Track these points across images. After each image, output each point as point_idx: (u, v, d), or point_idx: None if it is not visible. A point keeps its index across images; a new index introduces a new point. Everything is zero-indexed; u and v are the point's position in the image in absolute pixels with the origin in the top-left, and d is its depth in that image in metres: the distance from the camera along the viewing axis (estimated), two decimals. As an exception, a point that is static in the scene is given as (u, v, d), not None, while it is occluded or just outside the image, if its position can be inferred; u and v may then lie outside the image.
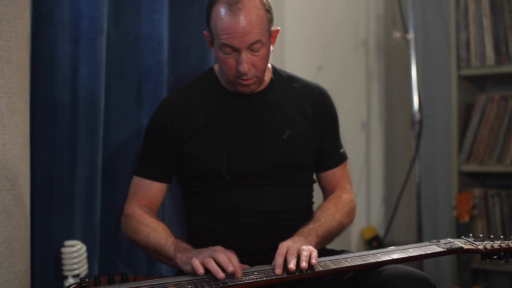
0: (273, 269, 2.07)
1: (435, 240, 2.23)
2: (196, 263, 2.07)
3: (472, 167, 3.97)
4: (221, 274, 2.03)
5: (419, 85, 4.04)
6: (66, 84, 2.51)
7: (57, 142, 2.50)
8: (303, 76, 2.60)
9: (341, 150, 2.62)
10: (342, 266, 2.08)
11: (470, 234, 2.30)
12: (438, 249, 2.16)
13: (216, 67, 2.51)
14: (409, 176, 4.09)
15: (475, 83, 4.13)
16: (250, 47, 2.29)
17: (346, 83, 4.08)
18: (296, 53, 3.65)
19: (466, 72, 3.99)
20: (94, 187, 2.55)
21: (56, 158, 2.50)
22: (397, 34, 4.09)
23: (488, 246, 2.20)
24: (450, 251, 2.17)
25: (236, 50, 2.29)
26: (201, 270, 2.05)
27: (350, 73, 4.13)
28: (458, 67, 3.99)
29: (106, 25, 2.59)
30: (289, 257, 2.09)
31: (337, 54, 4.01)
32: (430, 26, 4.33)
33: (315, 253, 2.11)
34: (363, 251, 2.42)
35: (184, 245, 2.26)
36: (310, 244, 2.21)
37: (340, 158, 2.61)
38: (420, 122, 3.98)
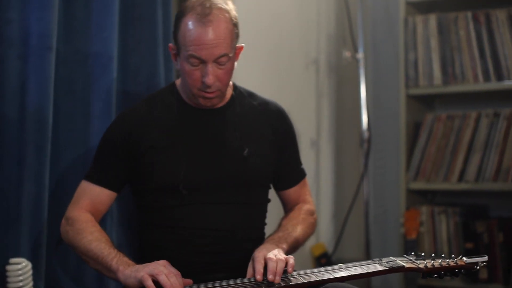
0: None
1: (377, 259, 2.27)
2: (145, 276, 2.09)
3: (419, 185, 4.04)
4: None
5: (368, 103, 4.10)
6: (14, 100, 2.50)
7: (4, 158, 2.49)
8: (271, 99, 2.64)
9: (301, 167, 2.66)
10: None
11: (413, 253, 2.34)
12: (380, 268, 2.20)
13: (178, 82, 2.52)
14: (358, 193, 4.14)
15: (423, 102, 4.20)
16: (217, 60, 2.32)
17: (297, 101, 4.12)
18: (247, 71, 3.67)
19: (414, 91, 4.06)
20: (41, 204, 2.54)
21: (3, 174, 2.49)
22: (347, 53, 4.15)
23: (429, 265, 2.23)
24: (391, 270, 2.21)
25: (203, 62, 2.31)
26: (149, 282, 2.08)
27: (300, 91, 4.17)
28: (407, 86, 4.06)
29: (55, 42, 2.58)
30: (278, 263, 2.15)
31: (288, 72, 4.05)
32: (380, 46, 4.40)
33: (291, 261, 2.16)
34: (312, 268, 2.46)
35: (126, 259, 2.27)
36: (281, 250, 2.26)
37: (300, 176, 2.66)
38: (369, 140, 4.04)
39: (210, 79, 2.32)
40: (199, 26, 2.30)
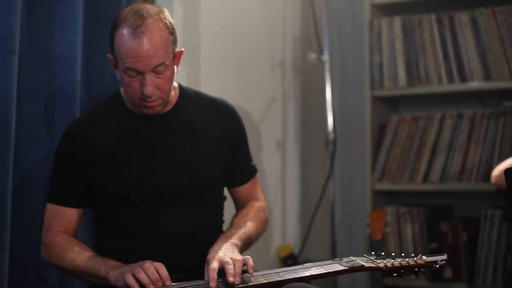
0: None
1: (338, 259, 2.29)
2: (130, 279, 2.13)
3: (385, 186, 4.07)
4: (151, 286, 2.10)
5: (334, 105, 4.13)
6: (-24, 104, 2.49)
7: (-34, 163, 2.48)
8: (219, 96, 2.64)
9: (252, 163, 2.67)
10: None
11: (373, 252, 2.37)
12: (340, 268, 2.22)
13: (122, 90, 2.51)
14: (324, 194, 4.17)
15: (388, 104, 4.24)
16: (154, 70, 2.32)
17: (262, 103, 4.14)
18: (212, 74, 3.70)
19: (379, 93, 4.09)
20: (4, 207, 2.51)
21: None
22: (312, 56, 4.18)
23: (389, 264, 2.26)
24: (351, 270, 2.23)
25: (140, 73, 2.31)
26: (134, 285, 2.11)
27: (266, 93, 4.19)
28: (372, 88, 4.09)
29: (18, 45, 2.57)
30: (235, 263, 2.16)
31: (254, 74, 4.07)
32: (346, 48, 4.44)
33: (251, 262, 2.18)
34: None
35: (113, 262, 2.29)
36: (237, 247, 2.29)
37: (251, 172, 2.67)
38: (335, 141, 4.07)
39: (148, 90, 2.32)
40: (132, 38, 2.28)
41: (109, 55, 2.42)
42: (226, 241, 2.33)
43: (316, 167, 4.43)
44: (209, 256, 2.24)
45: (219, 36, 3.79)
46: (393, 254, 2.34)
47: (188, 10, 3.35)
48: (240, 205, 2.66)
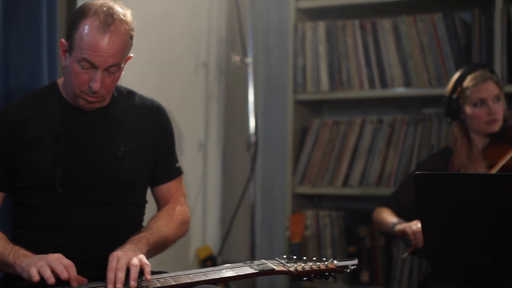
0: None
1: (249, 261, 2.30)
2: (33, 271, 2.11)
3: (305, 189, 4.10)
4: (52, 280, 2.09)
5: (256, 108, 4.14)
6: None
7: None
8: (151, 97, 2.65)
9: (177, 165, 2.68)
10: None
11: (284, 256, 2.38)
12: (251, 270, 2.23)
13: (60, 81, 2.52)
14: (244, 196, 4.17)
15: (310, 108, 4.26)
16: (108, 69, 2.35)
17: (185, 103, 4.12)
18: (133, 73, 3.66)
19: (302, 96, 4.12)
20: None
21: None
22: (236, 58, 4.18)
23: (299, 268, 2.28)
24: (261, 273, 2.24)
25: (94, 68, 2.33)
26: (36, 278, 2.10)
27: (189, 94, 4.18)
28: (295, 92, 4.11)
29: None
30: (117, 273, 2.14)
31: (177, 75, 4.05)
32: (271, 51, 4.45)
33: (148, 268, 2.18)
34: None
35: (23, 252, 2.27)
36: (140, 251, 2.27)
37: (175, 172, 2.67)
38: (256, 144, 4.08)
39: (97, 86, 2.34)
40: (99, 33, 2.32)
41: (63, 40, 2.42)
42: (131, 244, 2.32)
43: (238, 169, 4.44)
44: (109, 259, 2.22)
45: (143, 35, 3.74)
46: (304, 258, 2.35)
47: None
48: (161, 207, 2.66)
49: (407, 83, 3.89)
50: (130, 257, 2.19)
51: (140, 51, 3.74)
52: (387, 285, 3.90)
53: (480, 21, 3.74)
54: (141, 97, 2.64)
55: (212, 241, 4.33)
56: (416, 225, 2.95)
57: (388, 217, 3.22)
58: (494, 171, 2.94)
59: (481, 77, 3.16)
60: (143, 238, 2.37)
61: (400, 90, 3.90)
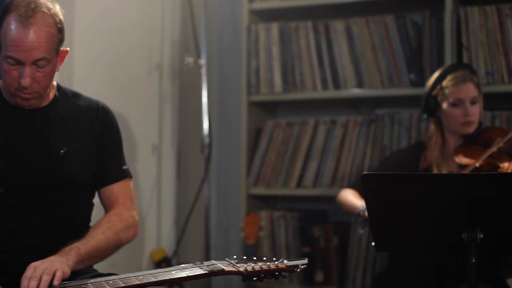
0: None
1: (199, 262, 2.30)
2: None
3: (259, 190, 4.11)
4: None
5: (210, 109, 4.14)
6: None
7: None
8: (94, 97, 2.63)
9: (124, 167, 2.63)
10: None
11: (235, 256, 2.38)
12: (200, 271, 2.23)
13: (0, 81, 2.48)
14: (199, 198, 4.17)
15: (264, 109, 4.28)
16: (36, 63, 2.31)
17: (139, 106, 4.11)
18: (86, 76, 3.65)
19: (255, 98, 4.13)
20: None
21: None
22: (189, 59, 4.19)
23: (249, 268, 2.28)
24: (211, 273, 2.24)
25: (21, 63, 2.30)
26: None
27: (143, 96, 4.17)
28: (248, 93, 4.13)
29: None
30: (30, 282, 2.11)
31: (131, 77, 4.04)
32: (224, 53, 4.46)
33: (59, 274, 2.13)
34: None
35: None
36: (67, 262, 2.22)
37: (120, 174, 2.62)
38: (210, 145, 4.08)
39: (26, 81, 2.31)
40: (19, 27, 2.29)
41: None
42: (59, 255, 2.27)
43: (192, 171, 4.43)
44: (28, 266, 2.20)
45: (95, 37, 3.75)
46: (255, 258, 2.36)
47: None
48: (107, 211, 2.62)
49: (360, 84, 3.92)
50: (46, 266, 2.16)
51: (93, 53, 3.75)
52: (341, 285, 3.93)
53: (431, 22, 3.79)
54: (87, 98, 2.60)
55: (167, 243, 4.32)
56: None
57: (355, 200, 3.24)
58: (466, 171, 2.98)
59: (461, 78, 3.19)
60: (73, 248, 2.31)
61: (353, 91, 3.93)
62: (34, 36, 2.29)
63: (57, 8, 2.39)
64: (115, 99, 3.86)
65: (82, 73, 3.57)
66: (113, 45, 3.89)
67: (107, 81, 3.83)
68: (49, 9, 2.35)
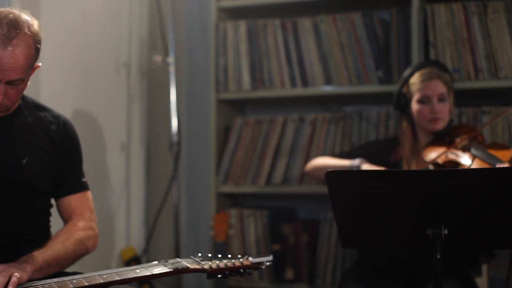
0: None
1: (163, 260, 2.30)
2: None
3: (229, 188, 4.11)
4: None
5: (179, 107, 4.14)
6: None
7: None
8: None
9: (82, 180, 2.64)
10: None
11: (200, 254, 2.39)
12: (165, 269, 2.23)
13: None
14: (168, 196, 4.17)
15: (233, 107, 4.28)
16: (12, 82, 2.29)
17: (107, 104, 4.09)
18: (53, 75, 3.62)
19: (224, 96, 4.13)
20: None
21: None
22: (157, 57, 4.18)
23: (214, 266, 2.29)
24: (176, 271, 2.24)
25: None
26: None
27: (111, 95, 4.15)
28: (217, 91, 4.12)
29: None
30: None
31: (98, 76, 4.02)
32: (192, 51, 4.45)
33: (14, 279, 2.13)
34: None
35: None
36: (24, 270, 2.22)
37: (78, 186, 2.63)
38: (179, 143, 4.08)
39: None
40: (0, 47, 2.24)
41: None
42: (17, 263, 2.26)
43: (161, 169, 4.42)
44: None
45: (61, 36, 3.73)
46: (219, 255, 2.36)
47: (27, 9, 3.28)
48: (65, 222, 2.61)
49: (328, 82, 3.93)
50: (4, 269, 2.15)
51: (60, 52, 3.72)
52: (311, 282, 3.94)
53: (398, 20, 3.81)
54: (49, 111, 2.60)
55: (136, 242, 4.31)
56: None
57: (340, 161, 3.30)
58: (425, 167, 3.02)
59: (428, 75, 3.22)
60: (31, 257, 2.31)
61: (321, 89, 3.94)
62: (13, 57, 2.25)
63: (36, 26, 2.35)
64: (83, 98, 3.84)
65: (49, 72, 3.54)
66: (80, 43, 3.86)
67: (74, 80, 3.80)
68: (29, 29, 2.31)
